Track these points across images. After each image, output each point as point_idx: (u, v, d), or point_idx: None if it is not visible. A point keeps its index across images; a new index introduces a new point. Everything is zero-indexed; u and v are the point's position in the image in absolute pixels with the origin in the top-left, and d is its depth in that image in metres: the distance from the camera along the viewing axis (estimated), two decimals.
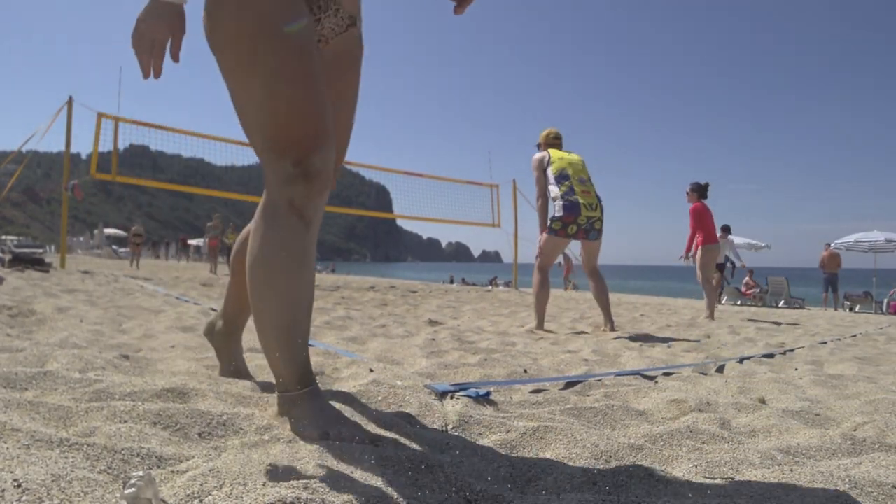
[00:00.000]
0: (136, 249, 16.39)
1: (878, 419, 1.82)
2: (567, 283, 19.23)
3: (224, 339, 1.94)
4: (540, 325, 4.43)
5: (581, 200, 4.30)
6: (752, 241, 18.17)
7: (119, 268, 13.55)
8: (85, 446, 1.14)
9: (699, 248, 6.68)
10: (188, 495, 0.98)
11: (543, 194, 4.46)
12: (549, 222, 4.38)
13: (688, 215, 6.79)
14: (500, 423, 1.60)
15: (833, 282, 14.58)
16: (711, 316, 6.44)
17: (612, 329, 4.45)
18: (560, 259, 19.41)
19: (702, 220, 6.68)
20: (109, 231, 43.59)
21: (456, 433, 1.53)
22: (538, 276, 4.53)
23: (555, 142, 4.74)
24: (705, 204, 6.80)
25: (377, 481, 1.12)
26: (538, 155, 4.58)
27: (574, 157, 4.55)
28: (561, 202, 4.30)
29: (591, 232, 4.39)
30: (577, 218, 4.28)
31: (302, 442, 1.32)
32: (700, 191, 6.82)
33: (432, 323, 4.50)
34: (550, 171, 4.42)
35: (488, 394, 1.95)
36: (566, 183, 4.33)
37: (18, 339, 2.41)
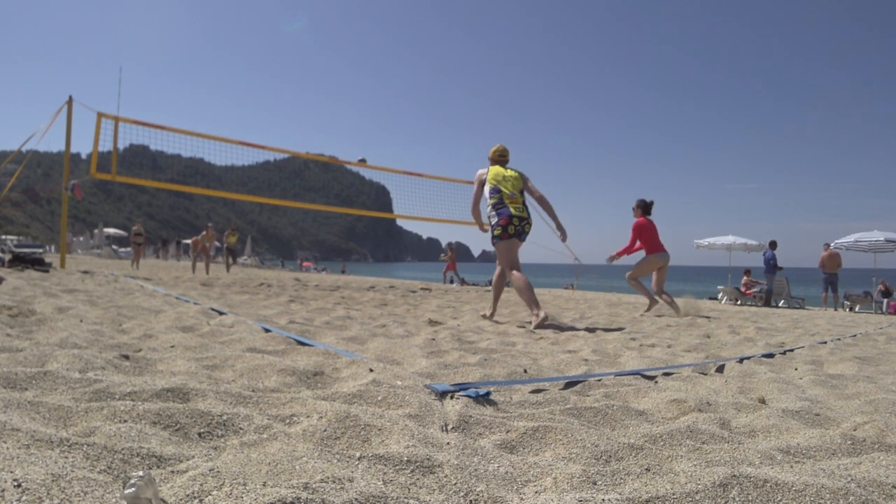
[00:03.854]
0: (138, 249, 16.25)
1: (878, 419, 1.82)
2: (445, 276, 19.17)
3: None
4: (492, 314, 5.15)
5: (511, 209, 4.99)
6: (749, 241, 18.12)
7: (119, 268, 13.55)
8: (85, 446, 1.14)
9: (648, 255, 7.17)
10: (188, 495, 0.98)
11: (477, 203, 5.28)
12: (492, 232, 5.08)
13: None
14: (500, 423, 1.60)
15: (833, 282, 14.57)
16: (650, 307, 6.99)
17: (538, 322, 4.67)
18: (446, 253, 19.60)
19: (642, 234, 7.18)
20: (109, 231, 43.47)
21: (456, 433, 1.53)
22: (511, 273, 5.06)
23: (500, 159, 5.34)
24: (649, 219, 7.27)
25: (377, 481, 1.12)
26: (480, 171, 5.33)
27: (510, 173, 5.21)
28: (494, 211, 5.07)
29: (522, 234, 5.07)
30: (511, 220, 4.98)
31: (301, 442, 1.32)
32: (644, 207, 7.30)
33: (432, 323, 4.50)
34: (487, 187, 5.16)
35: (488, 394, 1.95)
36: (496, 195, 5.07)
37: (18, 339, 2.41)
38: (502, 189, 5.05)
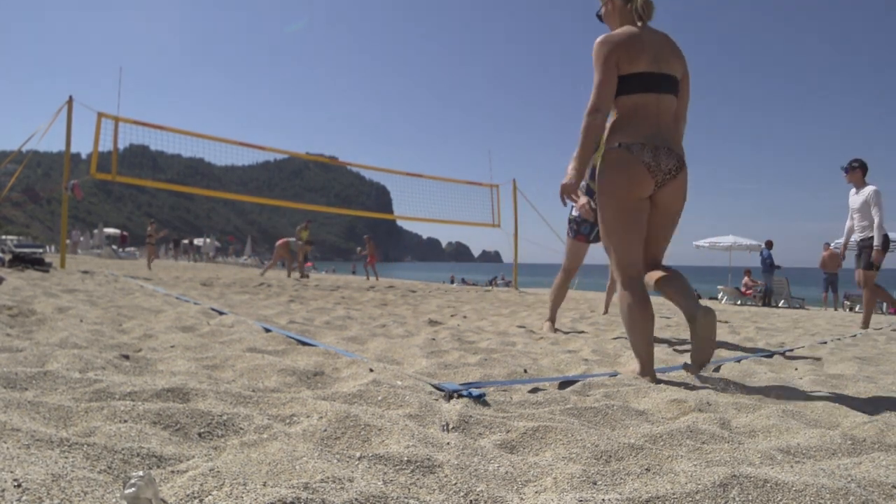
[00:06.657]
0: (152, 250, 15.78)
1: (878, 419, 1.82)
2: (367, 271, 17.94)
3: None
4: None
5: None
6: (749, 242, 18.13)
7: (119, 268, 13.54)
8: (85, 446, 1.14)
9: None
10: (188, 495, 0.98)
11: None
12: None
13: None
14: (500, 423, 1.60)
15: (833, 282, 14.57)
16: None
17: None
18: (364, 248, 18.17)
19: None
20: (109, 231, 43.39)
21: (456, 433, 1.53)
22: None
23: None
24: None
25: (377, 481, 1.12)
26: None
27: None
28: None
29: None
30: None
31: (302, 442, 1.32)
32: None
33: (432, 323, 4.50)
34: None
35: (482, 395, 1.95)
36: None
37: (18, 339, 2.41)
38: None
